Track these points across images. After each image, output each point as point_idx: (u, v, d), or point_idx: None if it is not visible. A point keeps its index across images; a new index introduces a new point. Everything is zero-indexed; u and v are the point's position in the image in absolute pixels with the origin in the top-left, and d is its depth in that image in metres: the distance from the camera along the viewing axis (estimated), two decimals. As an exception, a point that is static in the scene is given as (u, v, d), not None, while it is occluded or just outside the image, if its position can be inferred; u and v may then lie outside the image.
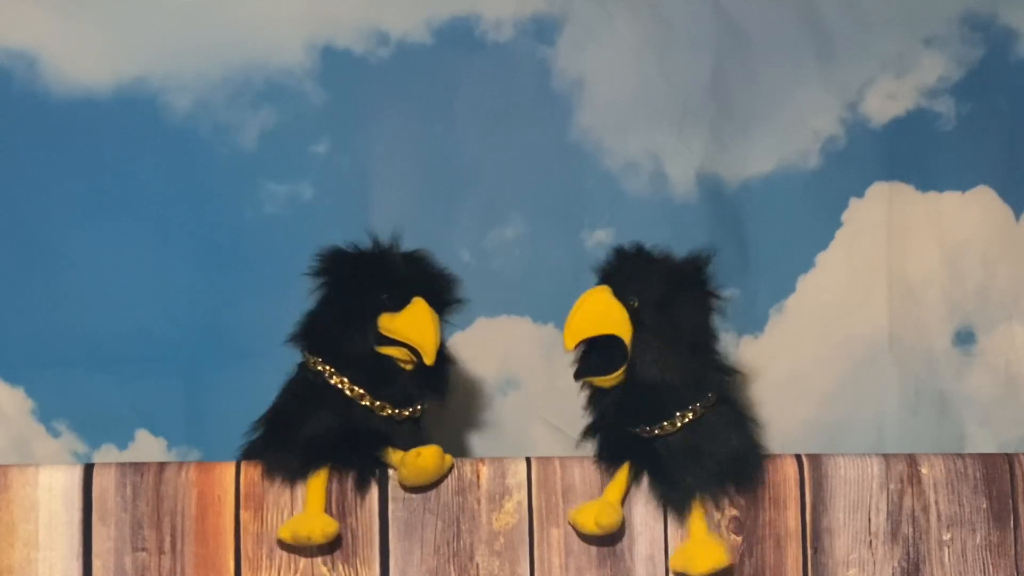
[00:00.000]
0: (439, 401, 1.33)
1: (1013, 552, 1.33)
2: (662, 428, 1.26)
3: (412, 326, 1.26)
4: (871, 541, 1.32)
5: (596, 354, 1.28)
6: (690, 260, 1.29)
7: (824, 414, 1.62)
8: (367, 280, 1.28)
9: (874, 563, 1.32)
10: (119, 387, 1.53)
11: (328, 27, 1.57)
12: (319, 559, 1.27)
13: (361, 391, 1.26)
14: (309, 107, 1.57)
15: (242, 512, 1.27)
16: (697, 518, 1.28)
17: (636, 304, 1.26)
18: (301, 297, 1.31)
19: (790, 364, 1.62)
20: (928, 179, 1.65)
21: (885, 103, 1.65)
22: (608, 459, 1.29)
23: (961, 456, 1.34)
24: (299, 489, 1.27)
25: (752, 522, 1.30)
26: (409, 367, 1.27)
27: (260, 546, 1.27)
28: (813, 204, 1.63)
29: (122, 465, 1.28)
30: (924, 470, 1.33)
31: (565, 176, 1.61)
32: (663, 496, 1.28)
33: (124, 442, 1.53)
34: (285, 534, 1.24)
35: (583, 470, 1.30)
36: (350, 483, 1.27)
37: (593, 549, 1.29)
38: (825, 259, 1.63)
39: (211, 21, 1.55)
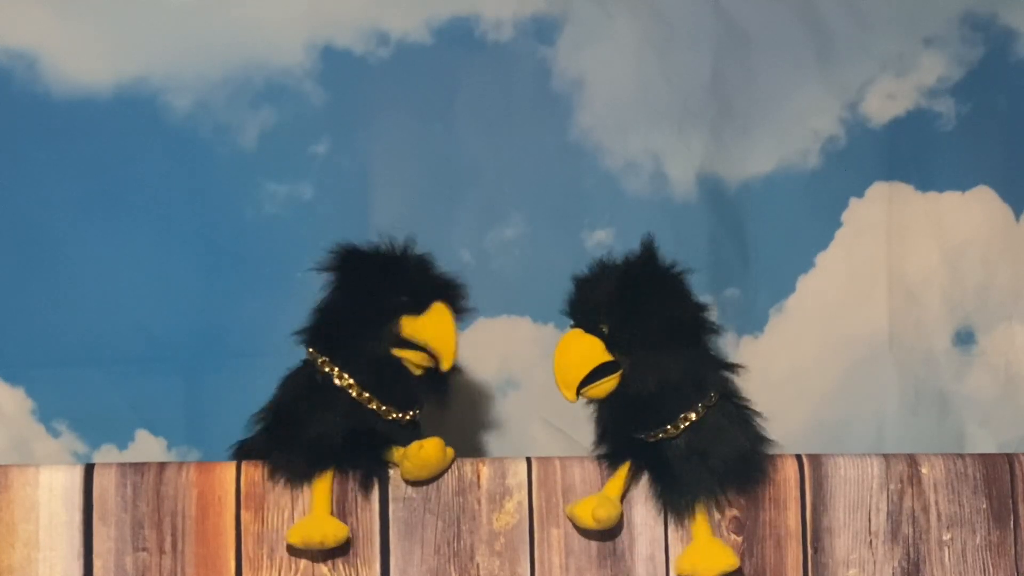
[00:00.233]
0: (441, 406, 1.32)
1: (1013, 552, 1.33)
2: (665, 432, 1.26)
3: (435, 330, 1.26)
4: (871, 541, 1.32)
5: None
6: (640, 257, 1.27)
7: (824, 414, 1.62)
8: (387, 282, 1.27)
9: (874, 563, 1.32)
10: (119, 387, 1.53)
11: (328, 27, 1.57)
12: (320, 559, 1.26)
13: (368, 395, 1.26)
14: (309, 107, 1.57)
15: (243, 512, 1.27)
16: (701, 521, 1.28)
17: (605, 330, 1.26)
18: (301, 297, 1.31)
19: (790, 364, 1.62)
20: (928, 179, 1.65)
21: (885, 103, 1.65)
22: (611, 460, 1.29)
23: (961, 456, 1.34)
24: (301, 489, 1.27)
25: (752, 522, 1.30)
26: (419, 372, 1.27)
27: (261, 546, 1.27)
28: (813, 204, 1.63)
29: (122, 465, 1.28)
30: (924, 470, 1.33)
31: (565, 176, 1.61)
32: (669, 501, 1.28)
33: (124, 442, 1.53)
34: (295, 538, 1.23)
35: (583, 470, 1.30)
36: (351, 483, 1.27)
37: (593, 549, 1.29)
38: (825, 259, 1.63)
39: (211, 21, 1.55)
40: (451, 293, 1.29)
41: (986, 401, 1.64)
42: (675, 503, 1.28)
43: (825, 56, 1.64)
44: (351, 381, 1.26)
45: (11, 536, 1.25)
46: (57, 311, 1.52)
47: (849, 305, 1.63)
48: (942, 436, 1.62)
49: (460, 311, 1.30)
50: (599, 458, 1.29)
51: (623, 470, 1.28)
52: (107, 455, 1.52)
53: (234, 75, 1.56)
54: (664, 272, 1.27)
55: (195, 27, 1.55)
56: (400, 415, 1.27)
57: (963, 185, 1.65)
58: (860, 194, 1.64)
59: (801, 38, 1.64)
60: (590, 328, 1.26)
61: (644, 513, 1.29)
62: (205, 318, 1.54)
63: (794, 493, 1.31)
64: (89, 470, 1.27)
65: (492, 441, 1.57)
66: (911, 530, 1.32)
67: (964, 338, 1.64)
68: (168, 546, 1.26)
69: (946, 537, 1.33)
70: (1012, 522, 1.34)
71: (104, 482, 1.26)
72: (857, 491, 1.32)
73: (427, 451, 1.25)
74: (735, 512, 1.30)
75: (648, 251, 1.27)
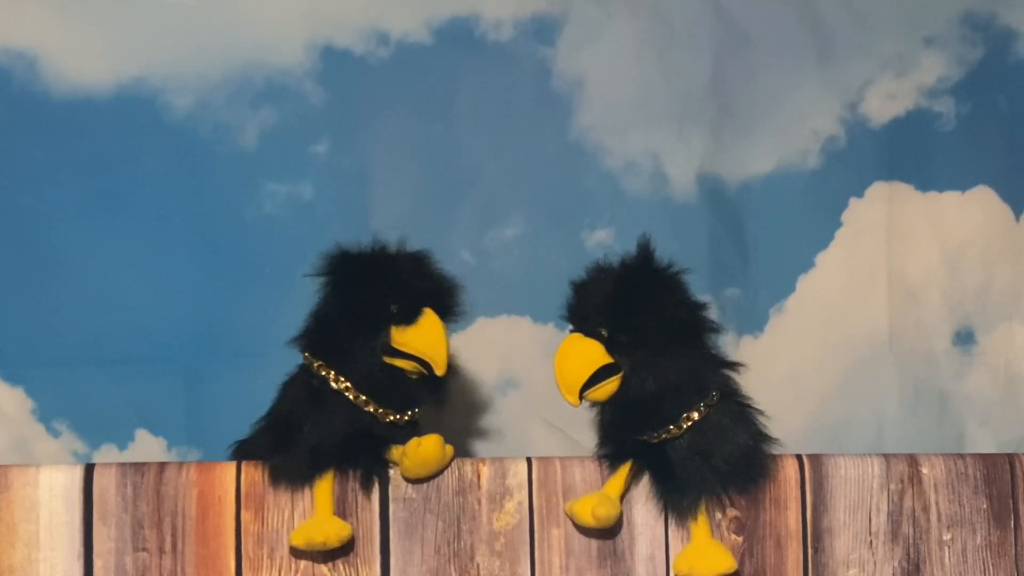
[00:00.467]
0: (439, 406, 1.32)
1: (1013, 552, 1.34)
2: (668, 432, 1.26)
3: (425, 340, 1.25)
4: (871, 541, 1.32)
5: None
6: (635, 259, 1.27)
7: (824, 414, 1.62)
8: (376, 289, 1.26)
9: (874, 563, 1.32)
10: (119, 387, 1.53)
11: (328, 27, 1.57)
12: (320, 559, 1.26)
13: (364, 398, 1.26)
14: (309, 107, 1.57)
15: (243, 512, 1.27)
16: (702, 521, 1.28)
17: (605, 333, 1.25)
18: (301, 297, 1.31)
19: (790, 364, 1.62)
20: (928, 179, 1.65)
21: (885, 103, 1.65)
22: (612, 460, 1.29)
23: (961, 456, 1.34)
24: (302, 492, 1.27)
25: (753, 522, 1.30)
26: (415, 377, 1.27)
27: (261, 546, 1.27)
28: (813, 204, 1.63)
29: (123, 465, 1.28)
30: (924, 470, 1.33)
31: (565, 176, 1.61)
32: (671, 502, 1.28)
33: (124, 442, 1.53)
34: (299, 540, 1.23)
35: (583, 470, 1.30)
36: (351, 484, 1.27)
37: (594, 549, 1.29)
38: (825, 259, 1.63)
39: (211, 21, 1.55)
40: (443, 297, 1.28)
41: (986, 401, 1.64)
42: (678, 504, 1.28)
43: (825, 56, 1.64)
44: (347, 384, 1.26)
45: (11, 536, 1.25)
46: (57, 311, 1.52)
47: (849, 305, 1.63)
48: (942, 436, 1.62)
49: (453, 315, 1.29)
50: (600, 458, 1.29)
51: (624, 470, 1.28)
52: (107, 455, 1.52)
53: (234, 75, 1.56)
54: (661, 273, 1.27)
55: (195, 27, 1.55)
56: (398, 416, 1.27)
57: (963, 185, 1.65)
58: (860, 194, 1.64)
59: (801, 38, 1.64)
60: (589, 332, 1.26)
61: (644, 513, 1.29)
62: (205, 318, 1.54)
63: (794, 493, 1.31)
64: (89, 470, 1.27)
65: (492, 441, 1.57)
66: (911, 530, 1.32)
67: (964, 338, 1.64)
68: (168, 546, 1.26)
69: (946, 537, 1.33)
70: (1012, 522, 1.34)
71: (104, 482, 1.26)
72: (857, 491, 1.32)
73: (426, 448, 1.25)
74: (736, 512, 1.30)
75: (644, 252, 1.27)
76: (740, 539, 1.30)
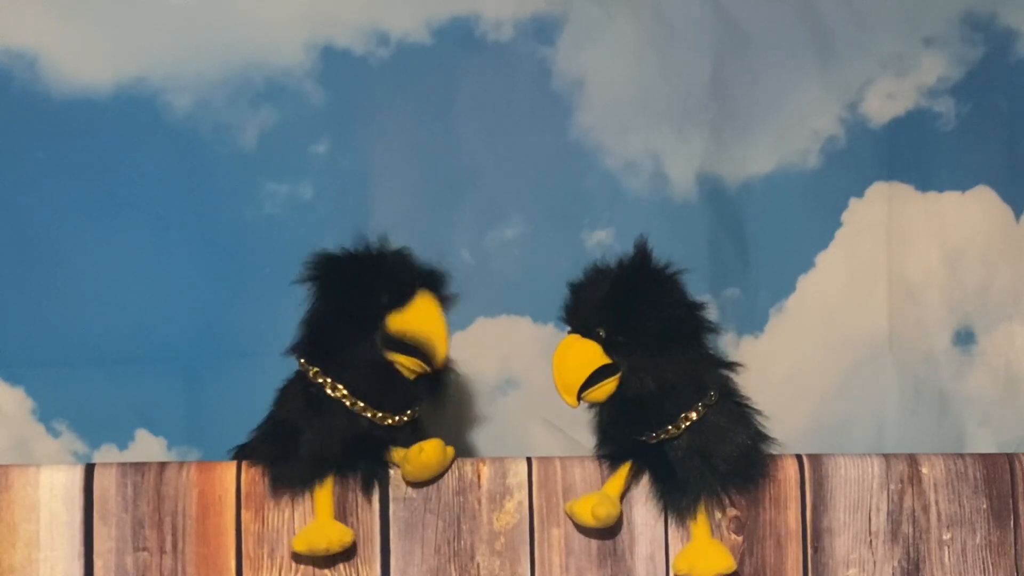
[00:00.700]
0: (437, 406, 1.32)
1: (1013, 552, 1.34)
2: (667, 432, 1.26)
3: (421, 320, 1.25)
4: (871, 541, 1.32)
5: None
6: (633, 260, 1.27)
7: (824, 414, 1.62)
8: (365, 285, 1.26)
9: (874, 563, 1.32)
10: (119, 387, 1.53)
11: (328, 27, 1.57)
12: (320, 559, 1.26)
13: (362, 404, 1.26)
14: (309, 107, 1.57)
15: (243, 512, 1.27)
16: (702, 521, 1.28)
17: (603, 333, 1.25)
18: (301, 297, 1.31)
19: (790, 364, 1.62)
20: (928, 179, 1.65)
21: (885, 103, 1.65)
22: (612, 460, 1.29)
23: (961, 456, 1.34)
24: (303, 498, 1.27)
25: (752, 522, 1.30)
26: (412, 376, 1.27)
27: (261, 546, 1.27)
28: (813, 204, 1.63)
29: (123, 465, 1.28)
30: (924, 470, 1.33)
31: (565, 176, 1.61)
32: (671, 502, 1.28)
33: (124, 442, 1.53)
34: (301, 546, 1.23)
35: (584, 470, 1.30)
36: (352, 485, 1.27)
37: (594, 549, 1.29)
38: (825, 259, 1.63)
39: (211, 21, 1.55)
40: (431, 284, 1.28)
41: (986, 401, 1.64)
42: (678, 503, 1.28)
43: (825, 56, 1.64)
44: (344, 391, 1.26)
45: (12, 536, 1.25)
46: (57, 311, 1.52)
47: (849, 305, 1.63)
48: (942, 436, 1.62)
49: (444, 299, 1.29)
50: (600, 458, 1.30)
51: (624, 470, 1.28)
52: (107, 455, 1.52)
53: (234, 75, 1.56)
54: (658, 273, 1.27)
55: (195, 27, 1.55)
56: (397, 419, 1.27)
57: (963, 185, 1.65)
58: (860, 194, 1.64)
59: (801, 38, 1.64)
60: (587, 333, 1.26)
61: (644, 513, 1.29)
62: (205, 318, 1.54)
63: (794, 493, 1.31)
64: (89, 470, 1.27)
65: (492, 441, 1.57)
66: (911, 530, 1.32)
67: (964, 338, 1.64)
68: (168, 546, 1.26)
69: (946, 537, 1.33)
70: (1012, 522, 1.34)
71: (104, 482, 1.26)
72: (857, 491, 1.32)
73: (427, 454, 1.25)
74: (735, 512, 1.30)
75: (642, 253, 1.28)
76: (740, 539, 1.30)
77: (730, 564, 1.26)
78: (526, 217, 1.59)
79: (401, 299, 1.25)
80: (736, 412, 1.29)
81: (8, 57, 1.53)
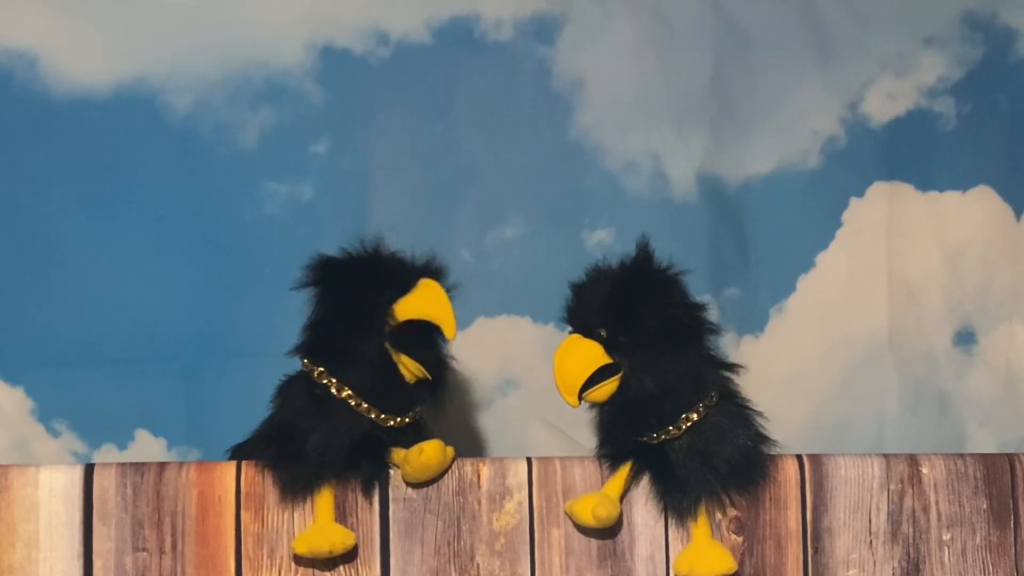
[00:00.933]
0: (438, 407, 1.32)
1: (1013, 552, 1.33)
2: (667, 432, 1.26)
3: (428, 302, 1.24)
4: (871, 541, 1.32)
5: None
6: (634, 261, 1.27)
7: (824, 414, 1.62)
8: (366, 282, 1.26)
9: (874, 563, 1.32)
10: (119, 387, 1.53)
11: (328, 27, 1.57)
12: (320, 560, 1.26)
13: (367, 406, 1.26)
14: (309, 107, 1.57)
15: (243, 512, 1.27)
16: (703, 522, 1.28)
17: (604, 333, 1.25)
18: (301, 298, 1.31)
19: (790, 364, 1.62)
20: (928, 179, 1.65)
21: (885, 103, 1.65)
22: (612, 460, 1.29)
23: (961, 456, 1.34)
24: (305, 501, 1.27)
25: (753, 522, 1.30)
26: (413, 380, 1.27)
27: (261, 546, 1.27)
28: (813, 204, 1.63)
29: (122, 465, 1.28)
30: (924, 470, 1.33)
31: (565, 176, 1.61)
32: (672, 503, 1.28)
33: (124, 442, 1.53)
34: (302, 548, 1.23)
35: (583, 470, 1.30)
36: (352, 485, 1.27)
37: (594, 549, 1.29)
38: (825, 259, 1.63)
39: (211, 21, 1.55)
40: (433, 272, 1.28)
41: (986, 401, 1.64)
42: (678, 504, 1.28)
43: (825, 56, 1.64)
44: (349, 392, 1.25)
45: (11, 536, 1.25)
46: (57, 311, 1.52)
47: (849, 305, 1.63)
48: (942, 436, 1.62)
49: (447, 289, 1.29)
50: (600, 458, 1.29)
51: (624, 470, 1.28)
52: (107, 455, 1.52)
53: (234, 75, 1.56)
54: (659, 273, 1.27)
55: (195, 27, 1.55)
56: (398, 420, 1.27)
57: (963, 185, 1.65)
58: (860, 194, 1.64)
59: (801, 38, 1.64)
60: (588, 333, 1.26)
61: (644, 513, 1.29)
62: (205, 318, 1.54)
63: (794, 493, 1.31)
64: (89, 470, 1.27)
65: (492, 441, 1.57)
66: (911, 530, 1.32)
67: (964, 338, 1.64)
68: (168, 546, 1.26)
69: (946, 537, 1.33)
70: (1012, 522, 1.34)
71: (104, 482, 1.26)
72: (857, 491, 1.32)
73: (427, 455, 1.25)
74: (736, 512, 1.30)
75: (643, 253, 1.28)
76: (740, 539, 1.30)
77: (731, 565, 1.26)
78: (526, 217, 1.59)
79: (404, 288, 1.25)
80: (737, 413, 1.29)
81: (8, 57, 1.53)
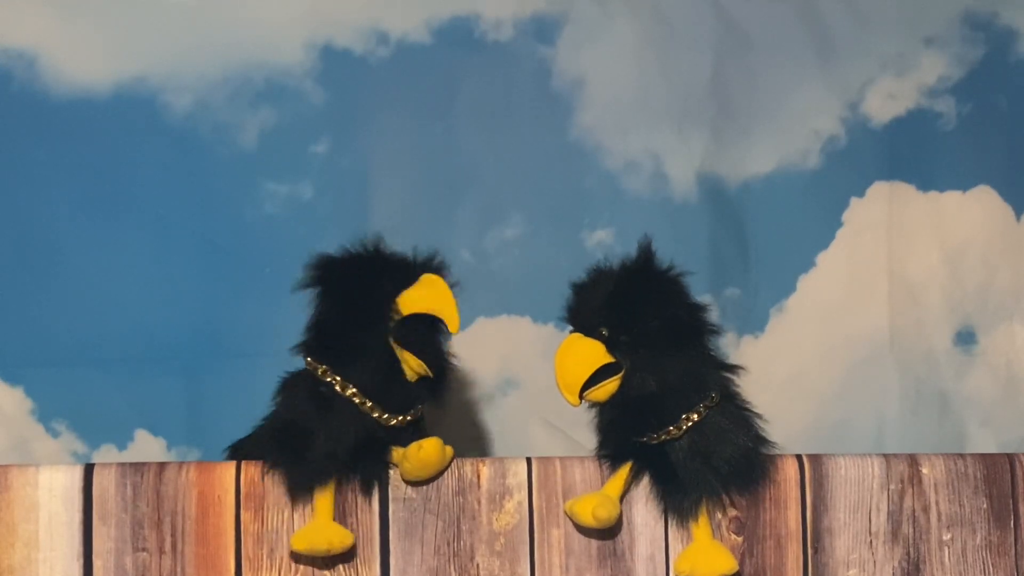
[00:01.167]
0: (438, 405, 1.32)
1: (1013, 552, 1.33)
2: (668, 433, 1.26)
3: (431, 295, 1.24)
4: (871, 541, 1.32)
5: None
6: (637, 261, 1.27)
7: (825, 414, 1.62)
8: (368, 279, 1.26)
9: (874, 563, 1.32)
10: (119, 387, 1.53)
11: (328, 27, 1.57)
12: (320, 560, 1.26)
13: (371, 404, 1.25)
14: (309, 107, 1.57)
15: (243, 512, 1.27)
16: (703, 522, 1.27)
17: (605, 332, 1.25)
18: (301, 298, 1.31)
19: (791, 364, 1.62)
20: (929, 179, 1.65)
21: (886, 103, 1.65)
22: (612, 461, 1.29)
23: (962, 456, 1.34)
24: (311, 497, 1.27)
25: (753, 522, 1.30)
26: (415, 377, 1.27)
27: (261, 546, 1.27)
28: (813, 204, 1.63)
29: (122, 465, 1.27)
30: (925, 470, 1.33)
31: (565, 176, 1.61)
32: (673, 503, 1.27)
33: (124, 442, 1.53)
34: (300, 545, 1.23)
35: (584, 470, 1.30)
36: (352, 485, 1.27)
37: (594, 549, 1.29)
38: (826, 259, 1.63)
39: (211, 21, 1.55)
40: (435, 267, 1.28)
41: (987, 401, 1.64)
42: (679, 505, 1.27)
43: (825, 56, 1.64)
44: (354, 390, 1.25)
45: (11, 536, 1.25)
46: (57, 311, 1.52)
47: (850, 305, 1.63)
48: (943, 436, 1.62)
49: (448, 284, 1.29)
50: (600, 458, 1.29)
51: (624, 470, 1.28)
52: (107, 455, 1.52)
53: (234, 75, 1.56)
54: (662, 274, 1.27)
55: (195, 27, 1.55)
56: (400, 419, 1.27)
57: (964, 185, 1.65)
58: (861, 194, 1.64)
59: (801, 38, 1.64)
60: (590, 332, 1.26)
61: (644, 513, 1.29)
62: (205, 318, 1.54)
63: (794, 493, 1.31)
64: (89, 470, 1.27)
65: (492, 441, 1.57)
66: (911, 530, 1.32)
67: (965, 338, 1.64)
68: (168, 546, 1.26)
69: (946, 537, 1.33)
70: (1012, 522, 1.34)
71: (104, 482, 1.26)
72: (857, 491, 1.32)
73: (426, 451, 1.24)
74: (736, 512, 1.30)
75: (645, 253, 1.27)
76: (740, 539, 1.30)
77: (732, 565, 1.26)
78: (526, 217, 1.59)
79: (406, 283, 1.25)
80: (737, 414, 1.29)
81: (8, 57, 1.53)
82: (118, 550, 1.26)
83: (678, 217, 1.60)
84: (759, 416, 1.31)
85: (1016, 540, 1.33)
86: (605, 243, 1.59)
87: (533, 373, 1.57)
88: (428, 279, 1.26)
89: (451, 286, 1.27)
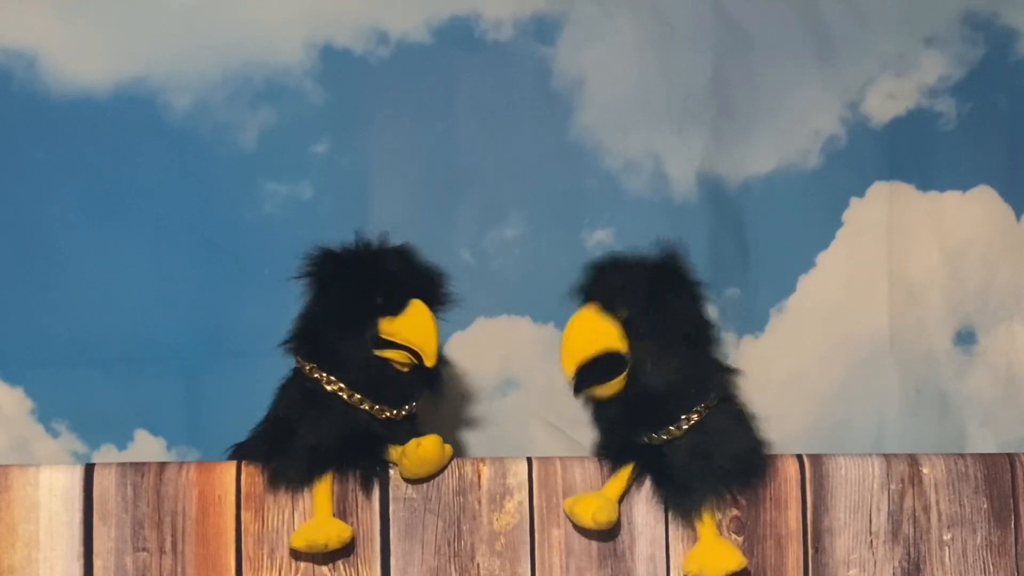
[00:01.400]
0: (436, 399, 1.32)
1: (1013, 552, 1.33)
2: (669, 432, 1.26)
3: (412, 329, 1.25)
4: (872, 541, 1.32)
5: (592, 367, 1.26)
6: (668, 257, 1.28)
7: (825, 414, 1.62)
8: (361, 284, 1.26)
9: (875, 563, 1.32)
10: (119, 387, 1.53)
11: (328, 27, 1.57)
12: (320, 559, 1.26)
13: (359, 396, 1.26)
14: (309, 107, 1.57)
15: (243, 512, 1.27)
16: (708, 521, 1.27)
17: (626, 314, 1.25)
18: (300, 297, 1.31)
19: (791, 364, 1.62)
20: (929, 179, 1.65)
21: (886, 103, 1.65)
22: (613, 461, 1.29)
23: (962, 456, 1.34)
24: (302, 494, 1.27)
25: (753, 522, 1.30)
26: (406, 369, 1.27)
27: (261, 546, 1.27)
28: (814, 204, 1.63)
29: (123, 465, 1.27)
30: (925, 470, 1.33)
31: (565, 176, 1.61)
32: (676, 504, 1.28)
33: (123, 442, 1.53)
34: (299, 542, 1.23)
35: (584, 470, 1.30)
36: (351, 484, 1.27)
37: (594, 549, 1.29)
38: (826, 259, 1.63)
39: (211, 21, 1.55)
40: (429, 287, 1.28)
41: (987, 401, 1.64)
42: (682, 505, 1.27)
43: (825, 56, 1.64)
44: (341, 385, 1.25)
45: (11, 536, 1.25)
46: (57, 311, 1.52)
47: (850, 305, 1.63)
48: (943, 436, 1.62)
49: (441, 304, 1.28)
50: (601, 459, 1.29)
51: (625, 472, 1.28)
52: (107, 455, 1.52)
53: (234, 75, 1.56)
54: (690, 277, 1.28)
55: (195, 27, 1.55)
56: (394, 412, 1.27)
57: (964, 185, 1.65)
58: (861, 194, 1.64)
59: (801, 38, 1.64)
60: (609, 307, 1.25)
61: (644, 513, 1.29)
62: (205, 318, 1.54)
63: (795, 493, 1.31)
64: (89, 470, 1.27)
65: (492, 441, 1.57)
66: (912, 530, 1.32)
67: (965, 338, 1.64)
68: (168, 546, 1.26)
69: (947, 537, 1.33)
70: (1013, 522, 1.34)
71: (104, 482, 1.26)
72: (858, 491, 1.32)
73: (425, 448, 1.24)
74: (736, 512, 1.30)
75: (677, 255, 1.28)
76: (740, 539, 1.30)
77: (740, 561, 1.26)
78: (526, 217, 1.59)
79: (395, 305, 1.25)
80: (736, 416, 1.29)
81: (8, 57, 1.53)
82: (118, 550, 1.26)
83: (678, 217, 1.60)
84: (755, 417, 1.31)
85: (1016, 540, 1.33)
86: (605, 243, 1.59)
87: (533, 373, 1.57)
88: (415, 308, 1.25)
89: (447, 302, 1.27)
